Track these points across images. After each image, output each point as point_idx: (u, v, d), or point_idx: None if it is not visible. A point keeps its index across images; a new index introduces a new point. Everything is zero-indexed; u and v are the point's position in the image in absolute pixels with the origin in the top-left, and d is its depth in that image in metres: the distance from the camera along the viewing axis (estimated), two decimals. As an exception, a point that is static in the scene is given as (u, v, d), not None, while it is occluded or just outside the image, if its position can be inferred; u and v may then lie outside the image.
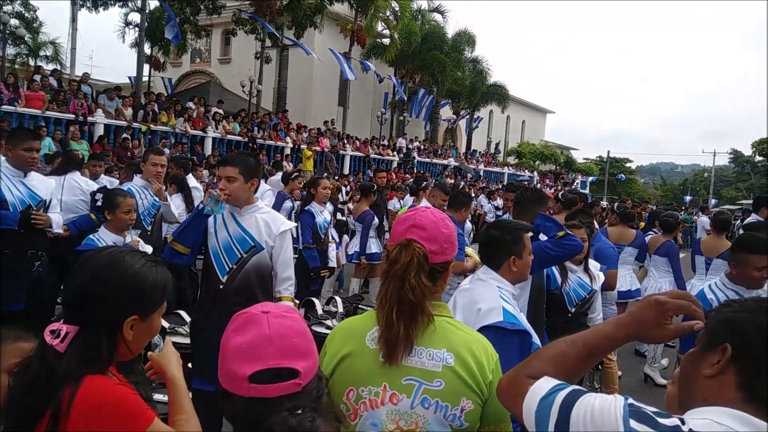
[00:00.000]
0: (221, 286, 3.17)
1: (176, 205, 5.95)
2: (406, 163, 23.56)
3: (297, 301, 3.42)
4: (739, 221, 12.05)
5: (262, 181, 7.63)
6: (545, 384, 1.16)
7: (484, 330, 2.15)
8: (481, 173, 28.25)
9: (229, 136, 16.77)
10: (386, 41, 28.48)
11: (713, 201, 42.12)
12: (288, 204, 7.52)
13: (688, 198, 48.28)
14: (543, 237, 3.43)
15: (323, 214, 5.98)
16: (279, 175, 9.56)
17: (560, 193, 7.68)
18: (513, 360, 2.10)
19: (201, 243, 3.30)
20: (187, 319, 3.90)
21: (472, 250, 5.37)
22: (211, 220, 3.24)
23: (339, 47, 25.17)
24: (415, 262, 1.57)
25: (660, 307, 1.18)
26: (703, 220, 15.32)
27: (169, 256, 3.24)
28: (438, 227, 1.65)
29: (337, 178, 14.77)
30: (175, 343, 4.25)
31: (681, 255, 6.74)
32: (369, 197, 7.21)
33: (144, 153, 5.54)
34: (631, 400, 1.04)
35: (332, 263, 6.08)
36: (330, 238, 6.18)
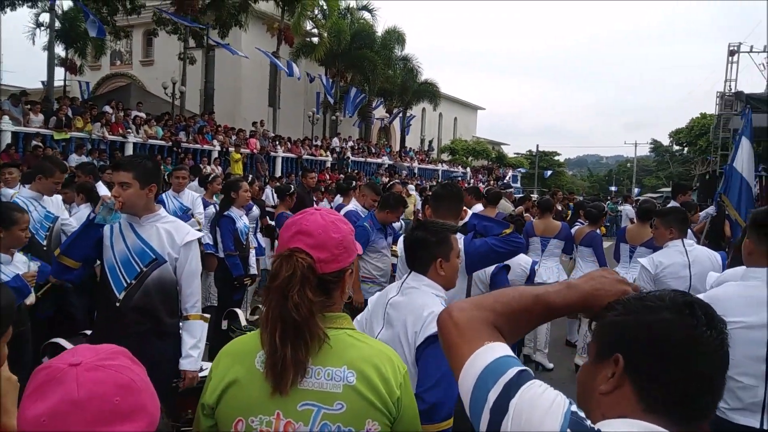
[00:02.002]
0: (117, 304, 2.87)
1: (84, 215, 5.59)
2: (340, 163, 23.34)
3: (207, 316, 3.13)
4: (661, 209, 12.46)
5: (189, 189, 7.21)
6: (496, 350, 1.06)
7: (431, 339, 2.06)
8: (416, 171, 28.39)
9: (152, 141, 16.02)
10: (315, 40, 28.15)
11: (636, 190, 44.14)
12: (210, 210, 7.17)
13: (613, 188, 50.37)
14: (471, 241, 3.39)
15: (243, 219, 5.74)
16: (195, 180, 9.12)
17: (485, 189, 7.66)
18: None
19: (95, 256, 3.00)
20: (94, 342, 3.65)
21: (395, 247, 5.27)
22: (106, 231, 2.93)
23: (266, 46, 24.64)
24: (298, 276, 1.40)
25: (623, 287, 1.12)
26: (627, 209, 15.84)
27: (58, 272, 3.00)
28: (327, 232, 1.48)
29: (267, 180, 14.39)
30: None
31: (605, 244, 6.88)
32: (286, 200, 6.93)
33: (41, 164, 5.08)
34: (574, 407, 0.96)
35: (253, 270, 5.84)
36: (251, 243, 5.94)
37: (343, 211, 6.57)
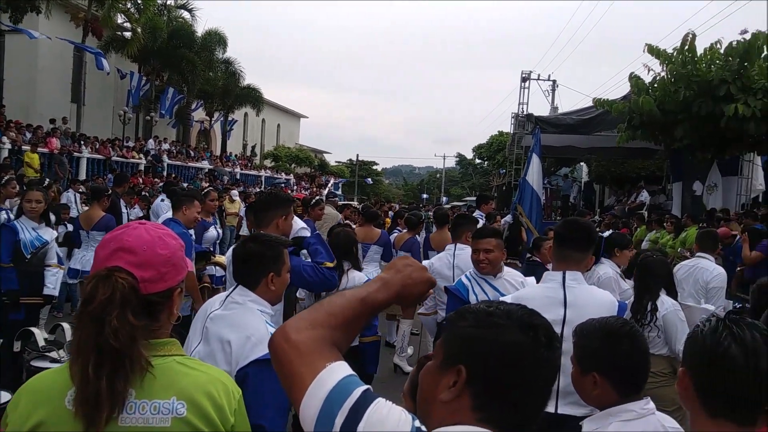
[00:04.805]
0: None
1: None
2: (154, 166, 21.99)
3: None
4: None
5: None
6: (337, 371, 1.03)
7: (256, 364, 1.98)
8: (238, 176, 27.75)
9: None
10: (128, 35, 26.17)
11: (444, 199, 47.81)
12: (2, 216, 6.39)
13: (425, 196, 54.08)
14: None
15: (37, 231, 5.15)
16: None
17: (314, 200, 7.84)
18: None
19: None
20: None
21: (222, 257, 5.19)
22: None
23: (70, 37, 22.37)
24: (117, 298, 1.27)
25: (426, 275, 1.21)
26: (439, 217, 17.14)
27: None
28: (153, 248, 1.36)
29: (69, 183, 13.09)
30: None
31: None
32: (102, 202, 6.45)
33: None
34: (418, 423, 0.98)
35: (49, 290, 5.18)
36: (49, 260, 5.23)
37: (160, 219, 6.29)
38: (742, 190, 12.80)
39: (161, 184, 16.90)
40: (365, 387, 1.02)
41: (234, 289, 2.24)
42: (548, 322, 1.10)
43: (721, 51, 9.19)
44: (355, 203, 20.17)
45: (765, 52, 9.06)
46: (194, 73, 27.46)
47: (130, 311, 1.28)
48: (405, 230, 7.36)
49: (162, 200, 9.09)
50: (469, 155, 53.21)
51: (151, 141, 24.43)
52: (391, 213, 12.34)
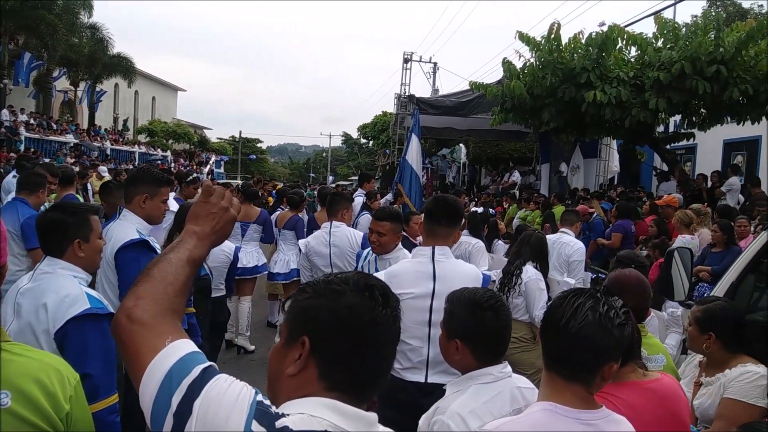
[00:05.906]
0: None
1: None
2: (10, 139, 19.92)
3: None
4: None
5: None
6: (178, 349, 1.01)
7: (74, 321, 1.98)
8: (108, 152, 25.90)
9: None
10: (-28, -10, 23.26)
11: (331, 178, 47.81)
12: None
13: (312, 175, 53.76)
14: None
15: None
16: None
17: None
18: (113, 347, 1.96)
19: None
20: None
21: None
22: None
23: None
24: None
25: (202, 197, 1.24)
26: (324, 195, 17.13)
27: None
28: None
29: None
30: None
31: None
32: None
33: None
34: (260, 397, 0.98)
35: None
36: None
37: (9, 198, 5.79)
38: (600, 172, 14.03)
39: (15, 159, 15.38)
40: (207, 364, 1.01)
41: (42, 261, 2.21)
42: (384, 282, 1.14)
43: (583, 41, 9.87)
44: (237, 182, 19.58)
45: (619, 44, 9.86)
46: (55, 37, 25.00)
47: None
48: (287, 209, 7.30)
49: (14, 176, 8.30)
50: (355, 134, 53.53)
51: (5, 111, 22.04)
52: (274, 192, 12.15)
